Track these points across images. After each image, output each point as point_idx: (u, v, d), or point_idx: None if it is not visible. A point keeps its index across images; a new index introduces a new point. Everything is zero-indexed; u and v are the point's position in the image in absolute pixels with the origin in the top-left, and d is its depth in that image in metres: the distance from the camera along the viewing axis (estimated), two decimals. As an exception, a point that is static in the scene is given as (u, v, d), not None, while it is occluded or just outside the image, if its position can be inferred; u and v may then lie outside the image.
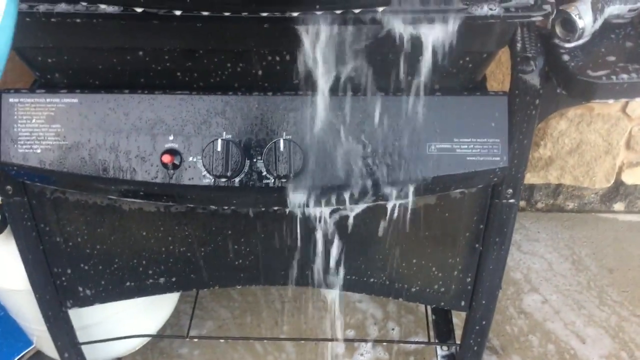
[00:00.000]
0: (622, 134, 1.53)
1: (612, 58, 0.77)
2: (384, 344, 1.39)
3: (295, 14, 0.66)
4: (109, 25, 0.73)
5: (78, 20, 0.71)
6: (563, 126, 1.52)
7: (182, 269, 1.00)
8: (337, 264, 0.98)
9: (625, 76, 0.74)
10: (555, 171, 1.62)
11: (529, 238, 1.65)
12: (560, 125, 1.52)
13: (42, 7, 0.71)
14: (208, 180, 0.82)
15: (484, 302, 1.01)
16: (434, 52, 0.74)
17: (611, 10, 0.79)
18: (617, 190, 1.68)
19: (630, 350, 1.37)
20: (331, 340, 1.39)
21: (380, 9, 0.67)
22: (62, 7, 0.70)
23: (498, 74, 1.43)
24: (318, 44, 0.72)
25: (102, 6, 0.69)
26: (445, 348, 1.33)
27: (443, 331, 1.34)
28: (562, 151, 1.58)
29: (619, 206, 1.72)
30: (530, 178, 1.64)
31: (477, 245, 0.95)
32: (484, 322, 1.04)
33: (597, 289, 1.51)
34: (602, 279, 1.54)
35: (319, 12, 0.66)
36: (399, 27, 0.71)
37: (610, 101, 0.77)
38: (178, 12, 0.66)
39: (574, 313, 1.46)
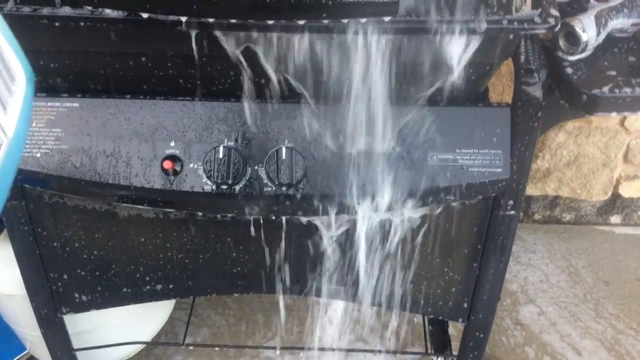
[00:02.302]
0: (620, 147, 1.54)
1: (615, 72, 0.77)
2: (381, 354, 1.39)
3: (301, 22, 0.66)
4: (112, 30, 0.72)
5: (82, 25, 0.70)
6: (561, 138, 1.53)
7: (180, 275, 1.00)
8: (336, 273, 0.98)
9: (628, 90, 0.74)
10: (553, 183, 1.62)
11: (525, 249, 1.65)
12: (558, 138, 1.53)
13: (46, 11, 0.70)
14: (209, 187, 0.81)
15: (482, 313, 1.00)
16: (438, 64, 0.74)
17: (614, 24, 0.79)
18: (614, 202, 1.69)
19: (626, 364, 1.37)
20: (327, 349, 1.38)
21: (387, 18, 0.66)
22: (65, 11, 0.70)
23: (497, 85, 1.43)
24: (322, 53, 0.72)
25: (107, 11, 0.68)
26: (442, 359, 1.32)
27: (440, 342, 1.33)
28: (560, 163, 1.58)
29: (615, 219, 1.73)
30: (527, 189, 1.65)
31: (476, 257, 0.94)
32: (481, 334, 1.04)
33: (593, 302, 1.51)
34: (598, 291, 1.54)
35: (325, 21, 0.66)
36: (404, 37, 0.71)
37: (613, 114, 0.77)
38: (184, 18, 0.66)
39: (570, 325, 1.46)
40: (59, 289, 1.00)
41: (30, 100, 0.44)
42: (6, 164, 0.40)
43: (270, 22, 0.66)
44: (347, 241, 0.93)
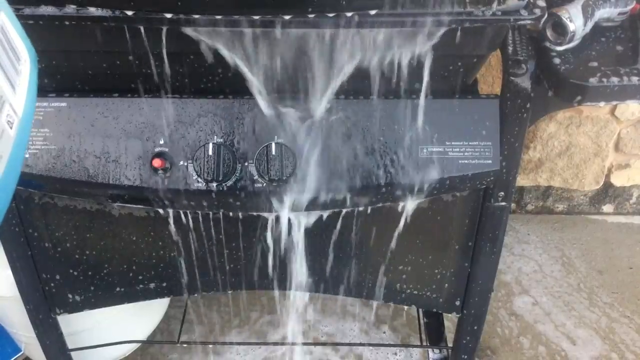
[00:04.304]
0: (610, 136, 1.54)
1: (602, 61, 0.77)
2: (376, 347, 1.39)
3: (287, 17, 0.66)
4: (98, 29, 0.72)
5: (67, 24, 0.70)
6: (552, 129, 1.53)
7: (173, 274, 0.99)
8: (329, 267, 0.98)
9: (615, 79, 0.74)
10: (545, 173, 1.63)
11: (519, 240, 1.66)
12: (549, 128, 1.53)
13: (28, 10, 0.70)
14: (199, 184, 0.81)
15: (476, 305, 1.01)
16: (426, 56, 0.74)
17: (601, 13, 0.79)
18: (606, 192, 1.69)
19: (620, 352, 1.38)
20: (322, 344, 1.39)
21: (373, 12, 0.66)
22: (50, 10, 0.69)
23: (488, 76, 1.43)
24: (309, 48, 0.72)
25: (92, 9, 0.68)
26: (437, 351, 1.33)
27: (435, 334, 1.34)
28: (552, 153, 1.58)
29: (608, 208, 1.73)
30: (520, 180, 1.65)
31: (469, 248, 0.95)
32: (476, 326, 1.04)
33: (587, 291, 1.52)
34: (592, 280, 1.55)
35: (310, 16, 0.66)
36: (391, 30, 0.70)
37: (601, 104, 0.78)
38: (169, 15, 0.65)
39: (565, 315, 1.46)
40: (52, 289, 1.00)
41: (35, 79, 0.45)
42: (18, 141, 0.41)
43: (256, 17, 0.66)
44: (339, 235, 0.93)
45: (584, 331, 1.42)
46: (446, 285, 1.00)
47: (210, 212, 0.90)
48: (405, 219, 0.92)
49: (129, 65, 0.78)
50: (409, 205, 0.90)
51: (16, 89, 0.42)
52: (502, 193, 0.87)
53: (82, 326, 1.16)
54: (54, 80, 0.82)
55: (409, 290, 1.01)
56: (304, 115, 0.80)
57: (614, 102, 0.77)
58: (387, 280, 1.00)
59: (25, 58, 0.44)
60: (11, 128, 0.40)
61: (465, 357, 1.10)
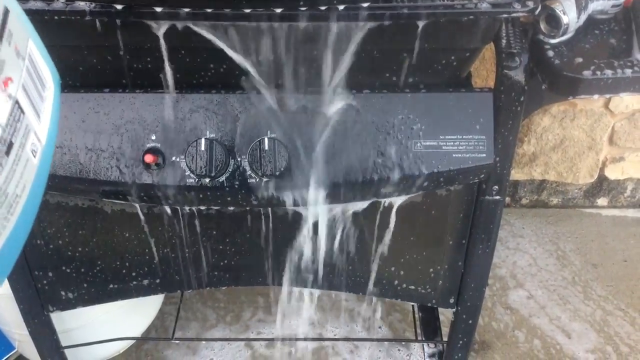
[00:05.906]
0: (605, 130, 1.54)
1: (596, 54, 0.77)
2: (370, 341, 1.39)
3: (278, 10, 0.65)
4: (88, 24, 0.71)
5: (55, 18, 0.69)
6: (547, 122, 1.53)
7: (166, 270, 0.99)
8: (323, 263, 0.97)
9: (609, 72, 0.74)
10: (539, 167, 1.63)
11: (513, 234, 1.66)
12: (543, 122, 1.53)
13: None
14: (192, 180, 0.80)
15: (470, 299, 1.01)
16: (419, 49, 0.74)
17: (595, 5, 0.79)
18: (601, 185, 1.69)
19: (615, 344, 1.38)
20: (317, 339, 1.39)
21: (365, 4, 0.66)
22: (38, 4, 0.68)
23: (482, 70, 1.43)
24: (300, 42, 0.71)
25: (80, 3, 0.67)
26: (432, 345, 1.33)
27: (430, 329, 1.34)
28: (546, 147, 1.58)
29: (602, 201, 1.73)
30: (514, 174, 1.65)
31: (463, 243, 0.94)
32: (470, 320, 1.04)
33: (581, 284, 1.52)
34: (586, 273, 1.55)
35: (302, 8, 0.65)
36: (384, 23, 0.70)
37: (595, 97, 0.77)
38: (159, 9, 0.65)
39: (559, 308, 1.47)
40: (44, 287, 0.99)
41: (58, 103, 0.45)
42: (41, 169, 0.41)
43: (247, 10, 0.65)
44: (332, 230, 0.93)
45: (578, 324, 1.43)
46: (441, 280, 1.00)
47: (203, 208, 0.90)
48: (399, 214, 0.91)
49: (120, 61, 0.77)
50: (403, 200, 0.89)
51: (41, 117, 0.42)
52: (496, 187, 0.87)
53: (76, 323, 1.16)
54: (44, 75, 0.81)
55: (403, 286, 1.01)
56: (297, 109, 0.79)
57: (608, 95, 0.77)
58: (381, 276, 1.00)
59: (50, 84, 0.44)
60: (35, 157, 0.40)
61: (461, 351, 1.09)
